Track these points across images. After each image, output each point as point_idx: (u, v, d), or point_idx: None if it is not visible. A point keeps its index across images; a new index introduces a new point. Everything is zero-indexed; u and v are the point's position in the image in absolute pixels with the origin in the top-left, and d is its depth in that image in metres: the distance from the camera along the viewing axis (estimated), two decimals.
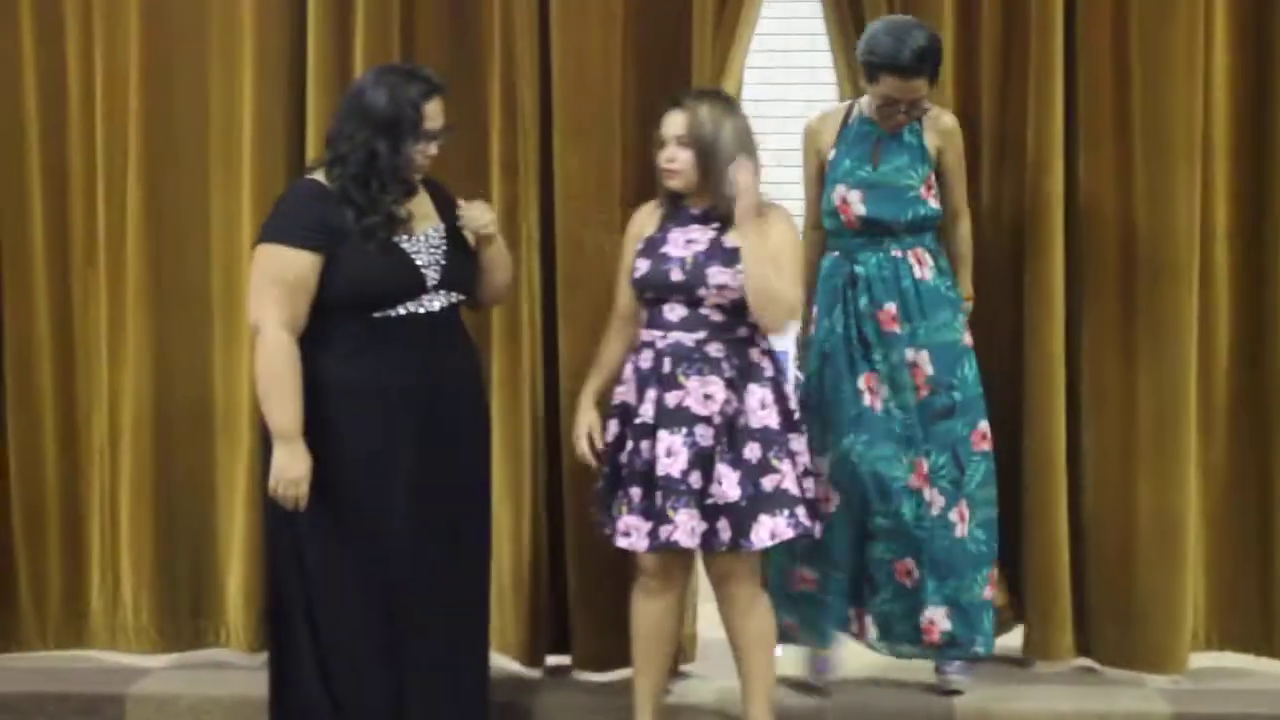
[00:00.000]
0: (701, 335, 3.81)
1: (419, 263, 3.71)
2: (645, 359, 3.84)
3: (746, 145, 3.82)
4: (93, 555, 4.60)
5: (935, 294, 4.13)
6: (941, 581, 4.10)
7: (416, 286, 3.70)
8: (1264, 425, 4.43)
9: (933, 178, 4.14)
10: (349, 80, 4.29)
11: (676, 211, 3.91)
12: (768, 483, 3.79)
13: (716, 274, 3.79)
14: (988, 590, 4.16)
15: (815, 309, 4.23)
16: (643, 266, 3.87)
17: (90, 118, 4.51)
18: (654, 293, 3.85)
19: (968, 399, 4.14)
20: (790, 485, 3.80)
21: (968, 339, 4.17)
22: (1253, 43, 4.40)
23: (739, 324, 3.83)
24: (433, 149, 3.74)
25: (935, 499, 4.10)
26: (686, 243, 3.85)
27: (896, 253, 4.12)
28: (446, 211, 3.86)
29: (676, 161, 3.83)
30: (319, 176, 3.74)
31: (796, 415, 3.89)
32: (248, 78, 4.41)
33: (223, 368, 4.49)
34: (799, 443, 3.87)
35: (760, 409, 3.82)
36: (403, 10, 4.40)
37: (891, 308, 4.11)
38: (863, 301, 4.12)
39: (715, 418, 3.78)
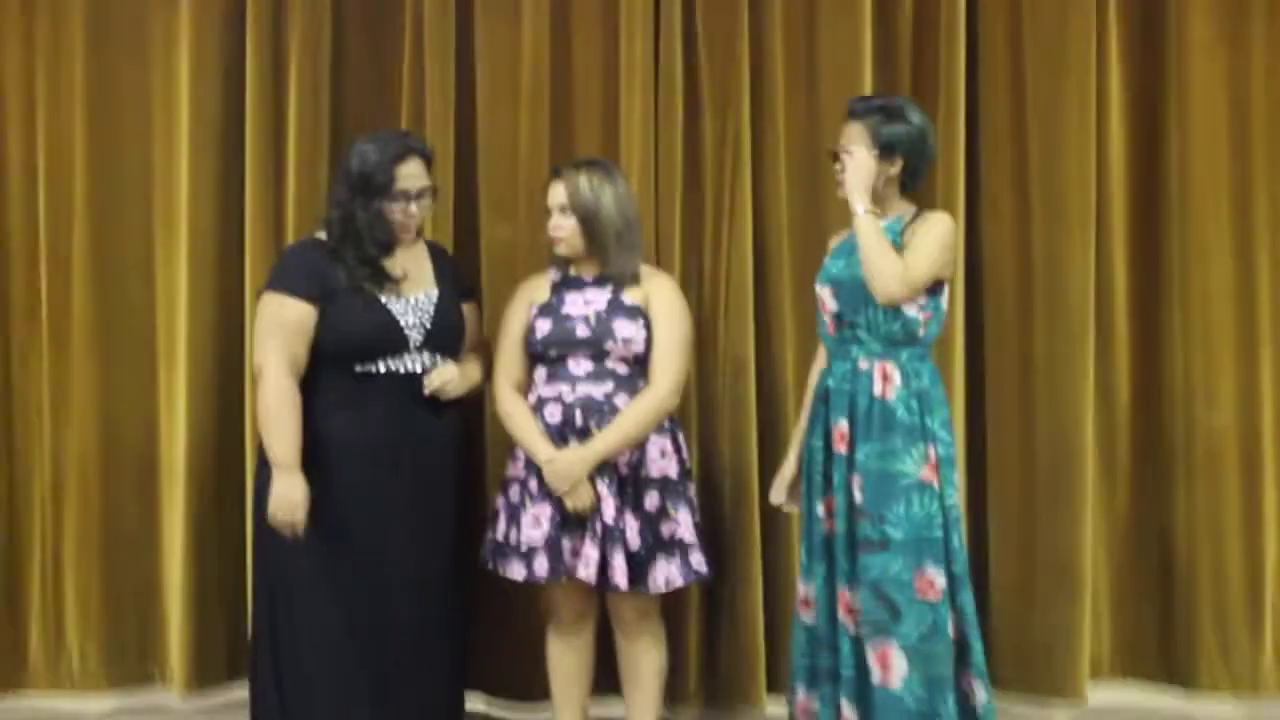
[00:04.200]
0: (609, 388, 3.97)
1: (403, 323, 3.90)
2: (552, 413, 3.97)
3: (626, 210, 4.00)
4: (33, 606, 4.70)
5: (890, 417, 3.79)
6: None
7: (398, 344, 3.90)
8: (1162, 472, 4.65)
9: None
10: (283, 142, 4.52)
11: (568, 279, 4.07)
12: (665, 530, 3.98)
13: (622, 327, 3.97)
14: None
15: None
16: (544, 327, 4.01)
17: (32, 177, 4.65)
18: (558, 350, 3.99)
19: (911, 539, 3.74)
20: (685, 533, 4.00)
21: (926, 475, 3.77)
22: (1145, 109, 4.63)
23: (640, 377, 4.00)
24: (413, 208, 3.93)
25: (861, 637, 3.80)
26: (585, 303, 4.01)
27: (863, 364, 3.84)
28: (446, 277, 4.05)
29: (562, 229, 4.00)
30: (321, 234, 3.97)
31: (688, 464, 4.08)
32: (184, 138, 4.56)
33: (165, 419, 4.62)
34: (693, 490, 4.08)
35: (660, 458, 4.00)
36: (332, 80, 4.57)
37: (843, 425, 3.84)
38: (832, 418, 3.88)
39: (622, 468, 3.95)
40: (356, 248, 3.90)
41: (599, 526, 3.89)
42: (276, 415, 3.83)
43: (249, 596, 4.48)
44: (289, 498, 3.81)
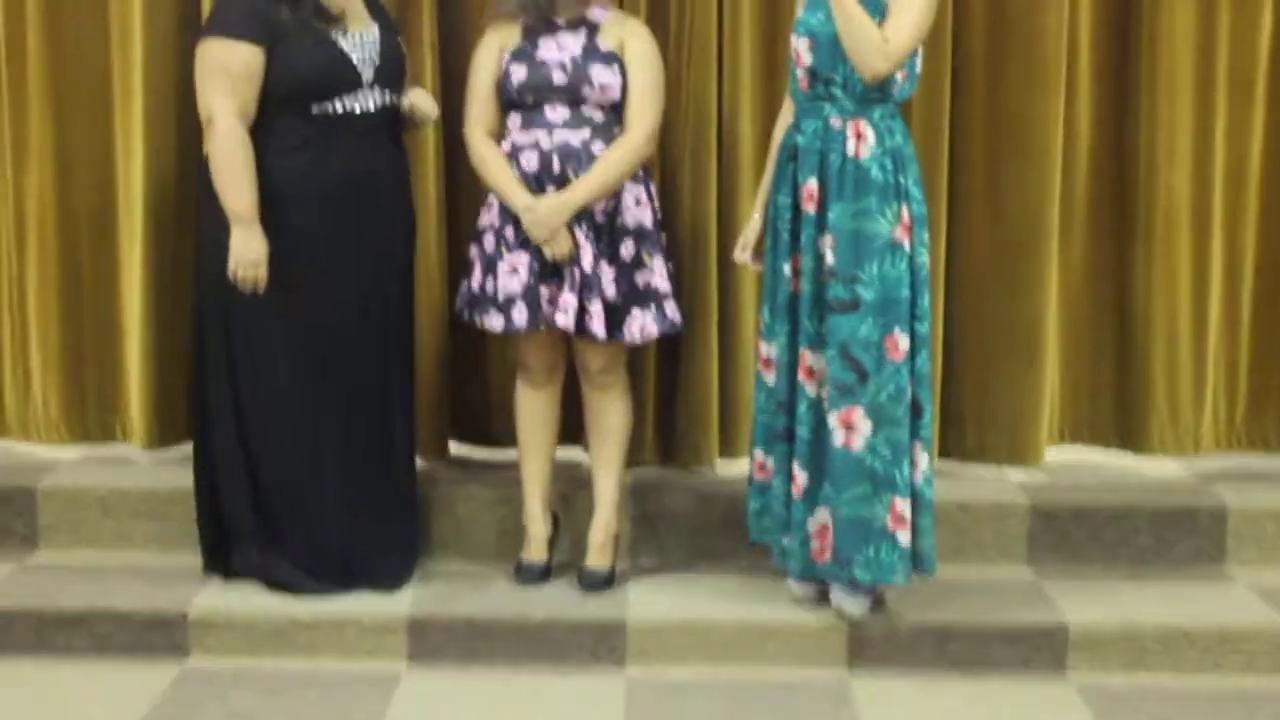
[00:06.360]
0: (586, 134, 3.97)
1: (354, 59, 3.87)
2: (528, 160, 3.97)
3: None
4: (4, 349, 4.71)
5: (864, 176, 3.73)
6: (819, 487, 3.84)
7: (352, 81, 3.88)
8: (1121, 227, 4.65)
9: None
10: None
11: (540, 24, 4.02)
12: (640, 279, 4.02)
13: (599, 73, 3.96)
14: (889, 520, 3.77)
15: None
16: (519, 72, 3.98)
17: None
18: (534, 96, 3.97)
19: (882, 300, 3.72)
20: (659, 281, 4.05)
21: (899, 234, 3.73)
22: None
23: (616, 123, 4.01)
24: None
25: (824, 398, 3.81)
26: (559, 48, 3.99)
27: (835, 122, 3.76)
28: (378, 13, 4.03)
29: None
30: None
31: (659, 214, 4.10)
32: None
33: (123, 165, 4.56)
34: (665, 239, 4.11)
35: (635, 206, 4.02)
36: None
37: (812, 184, 3.77)
38: (800, 176, 3.81)
39: (598, 216, 3.98)
40: None
41: (577, 274, 3.92)
42: (231, 166, 3.79)
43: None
44: (250, 253, 3.81)
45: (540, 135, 3.97)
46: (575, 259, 3.93)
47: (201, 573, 4.16)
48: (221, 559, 4.13)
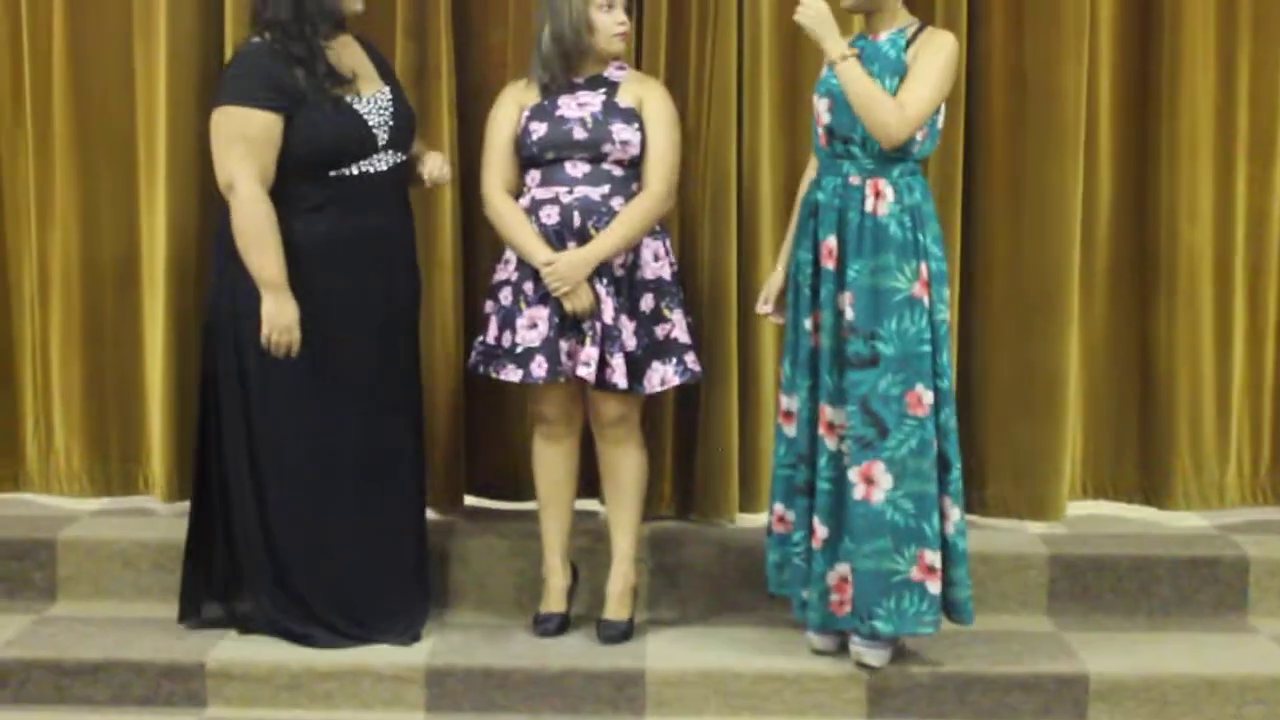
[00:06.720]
0: (606, 190, 4.01)
1: (371, 123, 3.90)
2: (549, 215, 4.00)
3: None
4: (26, 403, 4.75)
5: (883, 233, 3.74)
6: (839, 541, 3.84)
7: (369, 145, 3.89)
8: (1143, 282, 4.65)
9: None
10: None
11: (557, 84, 4.06)
12: (660, 331, 4.05)
13: (620, 130, 4.01)
14: (915, 571, 3.76)
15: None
16: (539, 129, 4.03)
17: None
18: (554, 152, 4.01)
19: (901, 355, 3.73)
20: (680, 334, 4.07)
21: (917, 291, 3.75)
22: None
23: (634, 179, 4.05)
24: None
25: (845, 453, 3.82)
26: (579, 105, 4.03)
27: (854, 179, 3.78)
28: (386, 72, 4.06)
29: (627, 25, 4.06)
30: (256, 40, 3.90)
31: (676, 268, 4.13)
32: None
33: (146, 221, 4.60)
34: (682, 293, 4.13)
35: (654, 260, 4.06)
36: None
37: (831, 241, 3.79)
38: (820, 233, 3.84)
39: (617, 269, 4.00)
40: (313, 34, 3.85)
41: (598, 327, 3.94)
42: (259, 233, 3.79)
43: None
44: (283, 318, 3.82)
45: (560, 191, 4.01)
46: (596, 313, 3.95)
47: (177, 622, 4.16)
48: (197, 608, 4.14)
